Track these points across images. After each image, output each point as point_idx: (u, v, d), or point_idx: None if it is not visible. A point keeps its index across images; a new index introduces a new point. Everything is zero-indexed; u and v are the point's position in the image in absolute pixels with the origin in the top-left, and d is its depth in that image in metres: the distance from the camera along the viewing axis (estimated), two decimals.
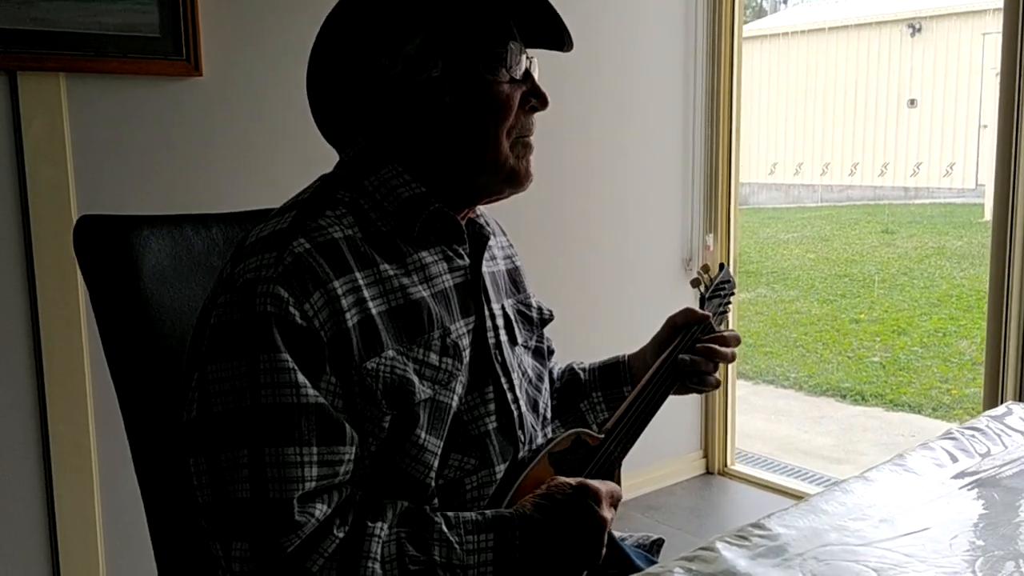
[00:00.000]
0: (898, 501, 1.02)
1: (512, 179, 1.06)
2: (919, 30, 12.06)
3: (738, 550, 0.88)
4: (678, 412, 3.26)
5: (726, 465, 3.36)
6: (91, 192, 1.90)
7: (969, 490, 1.07)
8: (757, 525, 0.93)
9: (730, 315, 1.40)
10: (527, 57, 1.06)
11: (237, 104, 2.08)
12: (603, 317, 2.91)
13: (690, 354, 1.19)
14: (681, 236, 3.16)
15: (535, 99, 1.06)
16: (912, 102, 12.24)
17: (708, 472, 3.36)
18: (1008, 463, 1.15)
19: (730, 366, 3.34)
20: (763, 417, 4.59)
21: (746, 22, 14.03)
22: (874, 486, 1.06)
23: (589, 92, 2.83)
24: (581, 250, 2.90)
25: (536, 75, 1.07)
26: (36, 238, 1.84)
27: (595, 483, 0.99)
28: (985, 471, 1.12)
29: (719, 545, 0.89)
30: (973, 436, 1.21)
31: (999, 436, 1.24)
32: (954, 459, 1.15)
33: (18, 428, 1.88)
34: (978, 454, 1.17)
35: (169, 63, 1.94)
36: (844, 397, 4.92)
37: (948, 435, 1.22)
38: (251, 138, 2.11)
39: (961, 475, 1.10)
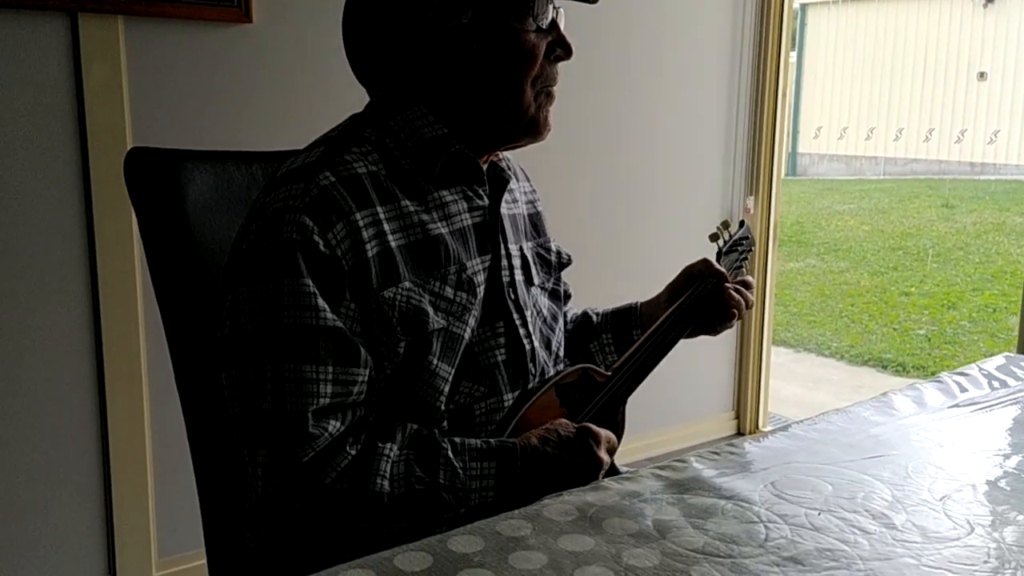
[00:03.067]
0: (871, 431, 1.07)
1: (531, 128, 1.09)
2: (992, 1, 11.66)
3: (708, 462, 0.95)
4: (712, 372, 3.29)
5: (758, 427, 3.39)
6: (145, 129, 1.98)
7: (939, 421, 1.12)
8: (732, 444, 0.99)
9: (746, 269, 1.43)
10: (553, 7, 1.08)
11: (284, 50, 2.15)
12: (639, 273, 2.93)
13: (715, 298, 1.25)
14: (722, 197, 3.16)
15: (560, 49, 1.08)
16: (982, 75, 11.87)
17: (740, 433, 3.39)
18: (986, 401, 1.20)
19: (765, 331, 3.36)
20: (801, 384, 4.59)
21: None
22: (852, 417, 1.11)
23: (632, 49, 2.84)
24: (619, 205, 2.92)
25: (562, 25, 1.09)
26: (94, 170, 1.94)
27: (597, 428, 1.05)
28: (963, 407, 1.17)
29: (691, 458, 0.96)
30: (959, 380, 1.27)
31: (987, 381, 1.28)
32: (937, 397, 1.21)
33: (75, 342, 2.01)
34: (959, 395, 1.22)
35: (221, 9, 2.01)
36: (885, 367, 4.88)
37: (936, 379, 1.26)
38: (296, 83, 2.17)
39: (938, 409, 1.16)
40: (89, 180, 1.94)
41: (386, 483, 0.95)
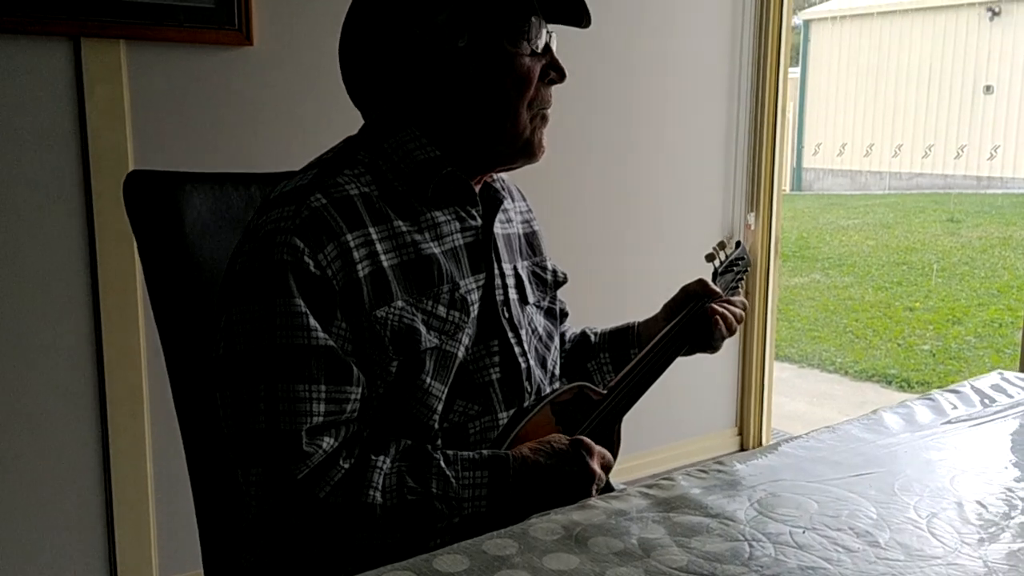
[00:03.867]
0: (859, 448, 1.08)
1: (526, 150, 1.10)
2: (998, 14, 11.69)
3: (695, 480, 0.95)
4: (714, 388, 3.29)
5: (761, 443, 3.38)
6: (147, 151, 2.01)
7: (929, 439, 1.12)
8: (719, 462, 1.00)
9: (742, 290, 1.44)
10: (547, 31, 1.10)
11: (284, 73, 2.17)
12: (639, 291, 2.93)
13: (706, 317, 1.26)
14: (722, 214, 3.18)
15: (554, 71, 1.10)
16: (988, 88, 11.89)
17: (743, 449, 3.38)
18: (977, 418, 1.20)
19: (768, 346, 3.36)
20: (805, 400, 4.58)
21: (819, 2, 13.68)
22: (840, 434, 1.12)
23: (630, 65, 2.86)
24: (618, 223, 2.93)
25: (555, 48, 1.11)
26: (96, 191, 1.96)
27: (590, 441, 1.06)
28: (954, 424, 1.17)
29: (678, 476, 0.96)
30: (950, 398, 1.27)
31: (979, 398, 1.28)
32: (927, 415, 1.21)
33: (77, 361, 2.03)
34: (950, 412, 1.22)
35: (222, 33, 2.04)
36: (889, 383, 4.87)
37: (927, 396, 1.27)
38: (296, 105, 2.20)
39: (928, 426, 1.16)
40: (91, 201, 1.97)
41: (379, 495, 0.96)
